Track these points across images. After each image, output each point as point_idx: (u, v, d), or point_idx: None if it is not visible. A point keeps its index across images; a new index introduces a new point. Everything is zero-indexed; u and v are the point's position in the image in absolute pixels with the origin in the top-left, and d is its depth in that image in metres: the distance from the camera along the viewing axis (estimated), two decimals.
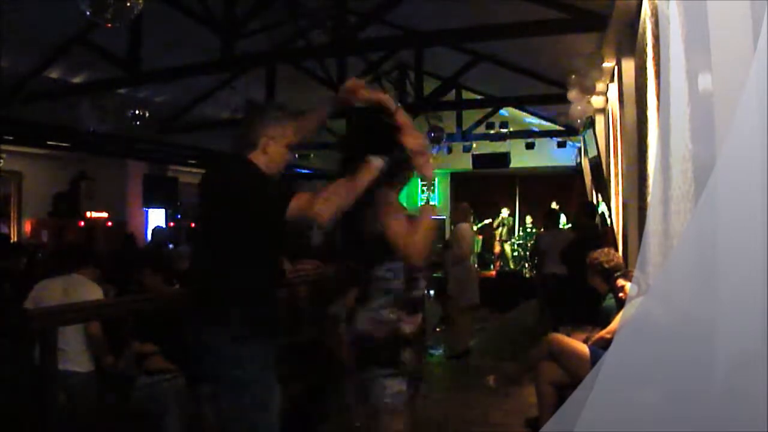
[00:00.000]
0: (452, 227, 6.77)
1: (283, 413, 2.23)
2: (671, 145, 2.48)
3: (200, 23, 5.72)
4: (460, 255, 6.48)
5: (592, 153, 7.77)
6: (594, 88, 5.75)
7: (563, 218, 10.07)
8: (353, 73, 8.60)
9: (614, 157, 5.92)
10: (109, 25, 3.46)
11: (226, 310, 2.09)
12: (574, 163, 11.43)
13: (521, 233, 12.63)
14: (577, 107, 5.93)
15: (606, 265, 3.81)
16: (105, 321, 3.62)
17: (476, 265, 10.83)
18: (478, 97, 10.09)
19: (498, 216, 12.67)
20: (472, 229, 7.15)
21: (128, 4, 3.39)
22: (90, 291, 3.65)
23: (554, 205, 10.91)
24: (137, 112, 7.42)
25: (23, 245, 8.34)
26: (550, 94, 7.81)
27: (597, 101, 5.91)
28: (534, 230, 11.81)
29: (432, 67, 8.84)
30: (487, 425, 4.19)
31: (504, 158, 11.20)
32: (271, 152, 2.25)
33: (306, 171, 11.88)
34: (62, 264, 3.87)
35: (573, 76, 5.54)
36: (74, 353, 3.50)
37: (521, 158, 11.45)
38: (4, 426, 2.53)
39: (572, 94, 5.69)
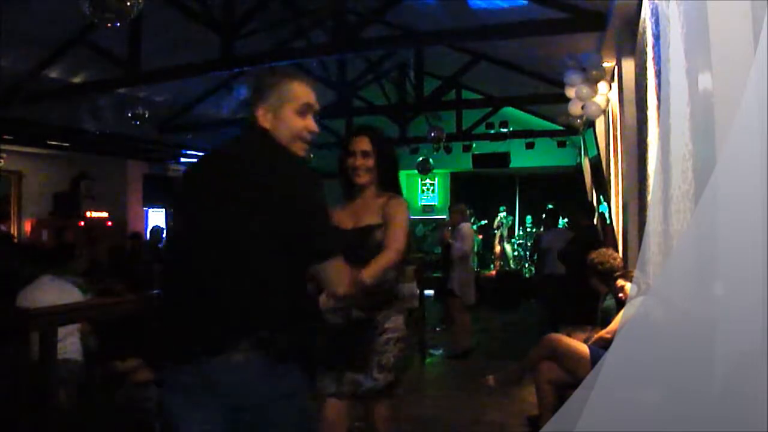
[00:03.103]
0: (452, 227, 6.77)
1: None
2: (671, 145, 2.48)
3: (200, 23, 5.72)
4: (464, 254, 6.48)
5: (592, 153, 7.78)
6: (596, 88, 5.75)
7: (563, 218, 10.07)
8: (353, 73, 8.63)
9: (614, 157, 5.92)
10: (109, 25, 3.46)
11: (273, 332, 1.65)
12: (574, 163, 11.44)
13: (521, 233, 12.63)
14: (587, 106, 5.90)
15: (605, 266, 3.82)
16: None
17: (476, 265, 10.83)
18: (478, 97, 10.09)
19: (497, 216, 12.67)
20: (471, 228, 7.16)
21: (128, 4, 3.39)
22: None
23: (551, 205, 10.91)
24: (137, 111, 7.42)
25: (23, 245, 8.35)
26: (550, 94, 7.82)
27: (600, 100, 5.89)
28: (534, 230, 11.82)
29: (432, 67, 8.84)
30: (487, 425, 4.19)
31: (504, 158, 11.20)
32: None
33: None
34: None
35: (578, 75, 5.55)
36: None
37: (521, 158, 11.45)
38: (3, 424, 2.53)
39: (582, 92, 5.69)
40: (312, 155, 10.10)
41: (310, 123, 1.85)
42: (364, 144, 2.44)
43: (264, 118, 1.80)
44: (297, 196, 1.69)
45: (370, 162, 2.43)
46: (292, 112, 1.82)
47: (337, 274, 1.76)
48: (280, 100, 1.81)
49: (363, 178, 2.44)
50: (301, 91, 1.85)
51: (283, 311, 1.68)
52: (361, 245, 2.30)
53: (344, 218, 2.43)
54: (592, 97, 5.79)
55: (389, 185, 2.49)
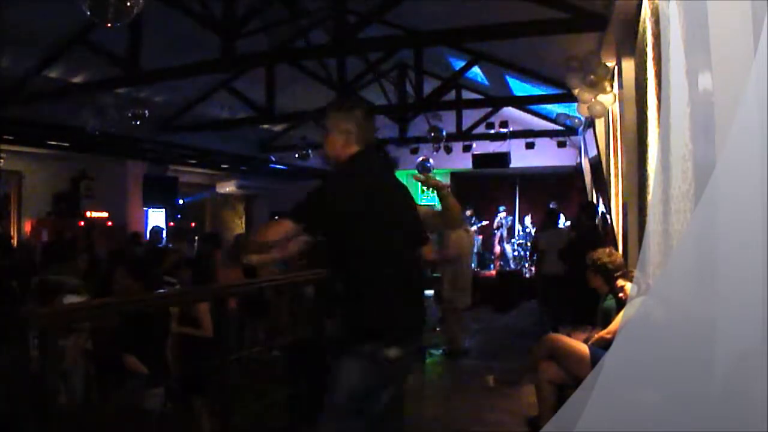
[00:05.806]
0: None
1: None
2: (671, 145, 2.48)
3: (200, 23, 5.71)
4: (448, 257, 6.44)
5: (592, 153, 7.78)
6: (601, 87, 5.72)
7: (563, 218, 10.08)
8: (353, 72, 8.63)
9: (614, 157, 5.92)
10: (109, 25, 3.46)
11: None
12: (574, 163, 11.45)
13: (521, 233, 12.63)
14: (592, 106, 5.88)
15: (606, 265, 3.81)
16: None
17: (476, 266, 10.82)
18: (479, 97, 10.09)
19: (497, 216, 12.66)
20: (466, 229, 7.10)
21: (128, 4, 3.38)
22: None
23: (551, 205, 10.91)
24: (137, 112, 7.41)
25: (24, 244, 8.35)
26: (550, 94, 7.82)
27: (606, 99, 5.86)
28: (534, 230, 11.81)
29: (432, 67, 8.84)
30: (487, 425, 4.19)
31: (504, 158, 11.20)
32: None
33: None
34: None
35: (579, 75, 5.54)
36: None
37: (521, 158, 11.44)
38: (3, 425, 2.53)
39: (585, 95, 5.67)
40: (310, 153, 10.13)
41: None
42: None
43: None
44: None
45: None
46: None
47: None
48: None
49: None
50: None
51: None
52: None
53: None
54: (593, 99, 5.77)
55: None
